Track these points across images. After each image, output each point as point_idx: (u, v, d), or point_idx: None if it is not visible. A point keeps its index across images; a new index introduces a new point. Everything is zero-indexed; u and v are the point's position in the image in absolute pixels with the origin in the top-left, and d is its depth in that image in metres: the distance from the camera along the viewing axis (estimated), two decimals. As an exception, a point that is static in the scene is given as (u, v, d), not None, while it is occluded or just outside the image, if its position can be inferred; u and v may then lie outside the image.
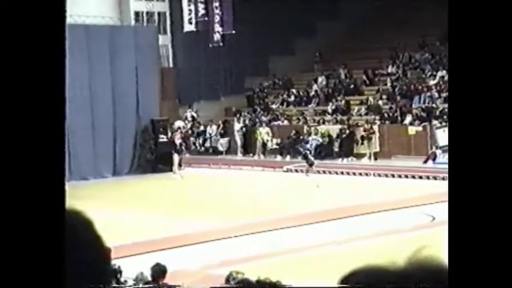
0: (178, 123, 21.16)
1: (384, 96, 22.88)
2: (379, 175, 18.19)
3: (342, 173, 19.07)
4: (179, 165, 19.84)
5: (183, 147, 20.13)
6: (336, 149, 20.95)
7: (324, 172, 19.40)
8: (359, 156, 20.82)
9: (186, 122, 23.95)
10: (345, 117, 22.26)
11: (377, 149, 20.57)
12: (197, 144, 24.09)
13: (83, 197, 11.99)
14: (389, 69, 24.41)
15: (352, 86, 24.59)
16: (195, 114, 24.77)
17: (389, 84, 23.36)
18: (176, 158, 19.63)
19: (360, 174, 18.69)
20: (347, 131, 20.88)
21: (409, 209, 13.14)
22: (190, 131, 23.23)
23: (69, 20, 20.26)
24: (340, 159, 20.73)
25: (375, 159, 20.46)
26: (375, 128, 20.70)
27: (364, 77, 24.72)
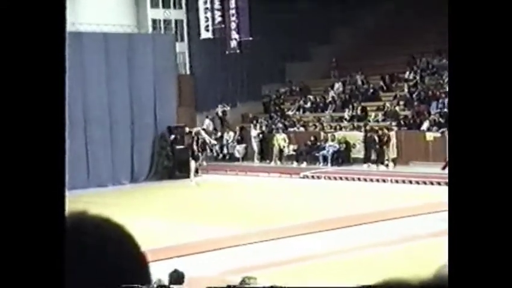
0: (196, 130, 21.25)
1: (401, 102, 22.78)
2: (396, 181, 18.09)
3: (359, 179, 19.00)
4: (196, 171, 19.91)
5: (200, 154, 20.20)
6: (373, 157, 20.59)
7: (340, 178, 19.34)
8: (376, 162, 20.74)
9: (206, 128, 24.11)
10: (362, 123, 22.20)
11: (395, 155, 20.47)
12: (214, 151, 24.19)
13: (102, 203, 12.11)
14: (407, 75, 24.32)
15: (369, 92, 24.52)
16: (210, 123, 24.83)
17: (406, 90, 23.26)
18: (193, 164, 19.71)
19: (378, 180, 18.61)
20: (376, 137, 20.57)
21: (427, 215, 13.05)
22: (208, 138, 23.33)
23: (88, 28, 20.53)
24: (372, 165, 20.50)
25: (393, 165, 20.37)
26: (392, 134, 20.58)
27: (381, 83, 24.65)
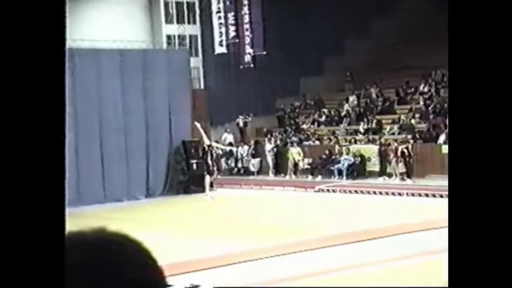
0: (208, 143, 21.27)
1: (417, 115, 22.68)
2: (413, 195, 17.96)
3: (374, 192, 18.90)
4: (211, 185, 19.92)
5: (215, 168, 20.22)
6: (401, 170, 20.42)
7: (356, 192, 19.25)
8: (391, 175, 20.64)
9: (223, 141, 24.16)
10: (377, 137, 22.12)
11: (404, 170, 20.37)
12: (229, 164, 24.20)
13: (117, 218, 12.15)
14: (422, 88, 24.23)
15: (384, 105, 24.46)
16: (231, 138, 24.81)
17: (421, 103, 23.17)
18: (208, 178, 19.74)
19: (393, 194, 18.50)
20: (405, 150, 20.39)
21: (444, 229, 12.92)
22: (222, 147, 23.32)
23: (105, 45, 20.75)
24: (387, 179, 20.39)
25: (409, 179, 20.24)
26: (400, 147, 20.44)
27: (396, 96, 24.58)
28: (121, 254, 0.96)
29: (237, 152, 24.34)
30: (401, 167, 20.50)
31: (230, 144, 24.10)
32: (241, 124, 25.36)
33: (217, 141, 23.76)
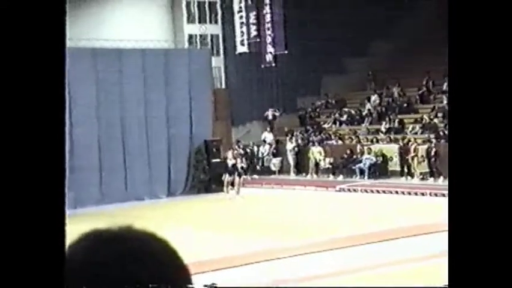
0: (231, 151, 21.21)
1: (439, 114, 22.45)
2: (435, 195, 17.78)
3: (396, 192, 18.76)
4: (232, 185, 19.96)
5: (236, 168, 20.24)
6: (424, 170, 20.22)
7: (377, 191, 19.13)
8: (413, 175, 20.47)
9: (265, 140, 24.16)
10: (399, 136, 21.95)
11: (425, 169, 20.22)
12: (253, 164, 24.16)
13: (139, 217, 12.23)
14: (445, 87, 23.98)
15: (406, 104, 24.25)
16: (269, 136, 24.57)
17: (444, 101, 22.93)
18: (228, 178, 19.77)
19: (416, 193, 18.34)
20: (428, 150, 20.21)
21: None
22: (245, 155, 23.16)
23: (127, 44, 20.92)
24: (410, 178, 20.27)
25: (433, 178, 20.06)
26: (420, 147, 20.26)
27: (418, 95, 24.36)
28: (147, 252, 0.96)
29: (257, 151, 24.33)
30: (424, 167, 20.32)
31: (269, 144, 24.05)
32: (270, 117, 25.38)
33: (238, 141, 23.81)
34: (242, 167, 20.33)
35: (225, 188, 19.66)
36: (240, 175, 19.69)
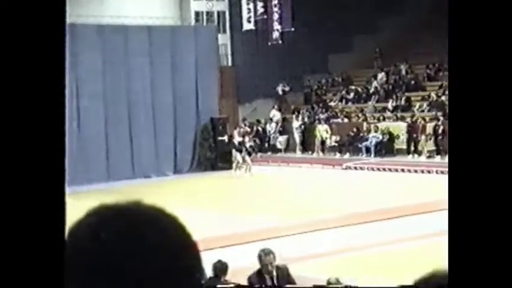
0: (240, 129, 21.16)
1: (447, 92, 22.33)
2: (442, 172, 17.78)
3: (402, 170, 18.75)
4: (238, 163, 19.99)
5: (244, 145, 20.22)
6: (431, 148, 20.21)
7: (384, 170, 19.13)
8: (420, 153, 20.45)
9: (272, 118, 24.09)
10: (406, 114, 21.87)
11: (432, 147, 20.15)
12: (262, 142, 24.16)
13: (147, 194, 12.28)
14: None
15: (413, 82, 24.11)
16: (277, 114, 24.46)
17: (452, 79, 22.77)
18: (237, 156, 19.79)
19: (422, 171, 18.33)
20: (435, 127, 20.15)
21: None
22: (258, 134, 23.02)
23: (133, 21, 20.83)
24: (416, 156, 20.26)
25: (438, 155, 20.02)
26: (429, 125, 20.18)
27: (426, 73, 24.19)
28: (156, 227, 0.96)
29: (264, 129, 24.31)
30: (431, 145, 20.28)
31: (276, 122, 24.00)
32: (280, 92, 25.33)
33: (244, 119, 23.77)
34: (251, 146, 20.32)
35: (234, 165, 19.68)
36: (249, 154, 19.70)
